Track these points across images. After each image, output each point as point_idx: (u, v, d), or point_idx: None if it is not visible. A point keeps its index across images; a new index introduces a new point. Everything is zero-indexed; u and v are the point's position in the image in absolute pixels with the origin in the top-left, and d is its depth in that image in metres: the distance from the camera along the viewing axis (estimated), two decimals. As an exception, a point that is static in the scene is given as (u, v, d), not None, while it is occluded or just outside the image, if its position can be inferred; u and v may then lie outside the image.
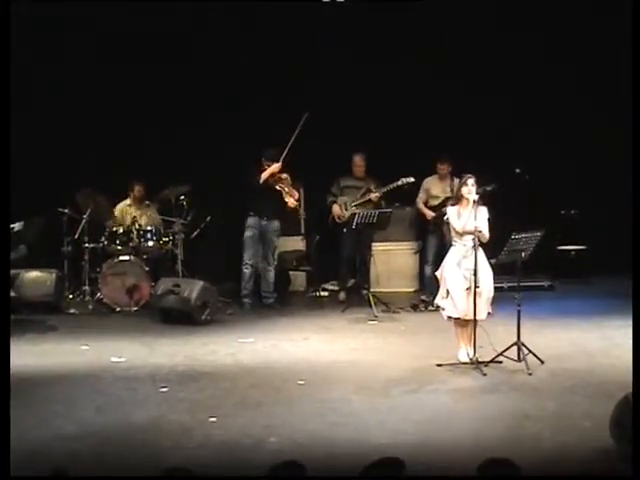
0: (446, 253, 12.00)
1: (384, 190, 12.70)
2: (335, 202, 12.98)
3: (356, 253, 12.84)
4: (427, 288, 12.57)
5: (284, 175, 12.36)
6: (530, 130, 13.55)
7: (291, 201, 12.30)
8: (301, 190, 13.58)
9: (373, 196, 12.71)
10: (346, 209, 12.89)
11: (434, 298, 9.56)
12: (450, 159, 12.45)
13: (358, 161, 12.98)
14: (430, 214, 12.57)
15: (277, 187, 12.29)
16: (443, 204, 12.30)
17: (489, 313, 9.08)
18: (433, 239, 12.58)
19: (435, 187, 12.61)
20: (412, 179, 12.52)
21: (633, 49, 8.13)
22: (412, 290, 13.34)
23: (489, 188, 9.79)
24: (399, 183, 12.61)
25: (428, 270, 12.60)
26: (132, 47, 13.39)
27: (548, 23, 13.36)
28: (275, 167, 12.21)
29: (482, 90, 13.50)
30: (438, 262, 12.09)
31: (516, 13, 13.36)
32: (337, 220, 12.94)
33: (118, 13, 13.15)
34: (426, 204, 12.71)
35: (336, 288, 13.36)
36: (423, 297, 12.63)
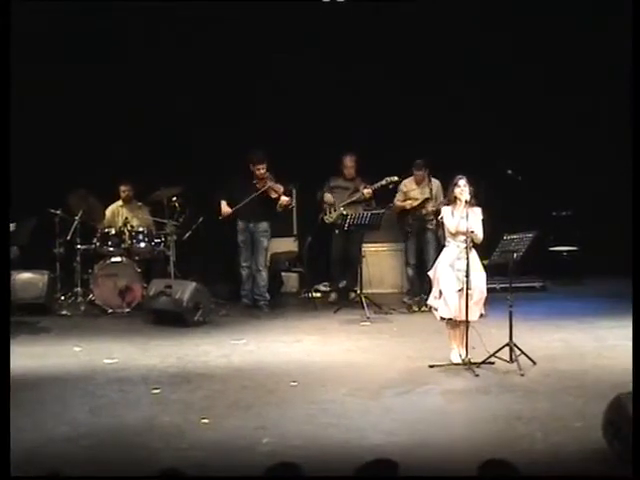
0: (428, 249, 12.24)
1: (374, 187, 12.68)
2: (326, 192, 13.00)
3: (346, 254, 12.88)
4: (411, 289, 12.65)
5: (267, 174, 12.33)
6: (522, 131, 13.56)
7: (284, 199, 12.26)
8: (294, 191, 13.61)
9: (366, 191, 12.69)
10: (334, 210, 12.90)
11: (425, 299, 9.58)
12: (425, 164, 12.39)
13: (348, 162, 12.97)
14: (409, 203, 12.48)
15: (262, 187, 12.23)
16: (422, 205, 12.39)
17: (482, 314, 9.09)
18: (412, 239, 12.59)
19: (412, 190, 12.57)
20: (396, 178, 12.51)
21: (633, 48, 8.13)
22: (405, 291, 13.33)
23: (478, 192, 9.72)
24: (383, 182, 12.60)
25: (410, 272, 12.67)
26: (126, 48, 13.39)
27: (542, 22, 13.37)
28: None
29: (476, 91, 13.51)
30: (419, 263, 12.36)
31: (507, 13, 13.37)
32: (325, 220, 12.94)
33: (115, 13, 13.13)
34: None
35: (328, 289, 13.37)
36: (405, 299, 12.68)
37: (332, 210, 12.92)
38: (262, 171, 12.28)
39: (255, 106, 13.64)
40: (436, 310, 9.12)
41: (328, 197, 12.96)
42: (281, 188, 12.24)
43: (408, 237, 12.67)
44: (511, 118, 13.62)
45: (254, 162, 12.26)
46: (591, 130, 13.69)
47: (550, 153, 13.68)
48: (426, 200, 12.44)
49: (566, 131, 13.72)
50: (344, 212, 12.59)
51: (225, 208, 12.34)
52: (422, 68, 13.55)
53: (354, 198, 12.83)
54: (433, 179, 12.27)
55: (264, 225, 12.41)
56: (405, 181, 12.60)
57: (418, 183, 12.53)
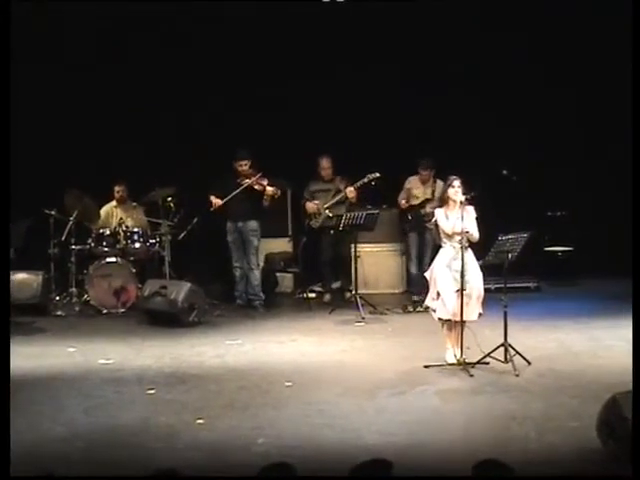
0: (426, 250, 12.30)
1: (356, 186, 12.65)
2: (308, 200, 12.99)
3: (337, 255, 12.89)
4: (414, 287, 12.67)
5: (250, 170, 12.33)
6: (516, 131, 13.57)
7: (269, 189, 12.22)
8: (288, 192, 13.63)
9: (348, 191, 12.66)
10: (319, 213, 12.88)
11: (424, 297, 9.61)
12: (432, 164, 12.49)
13: (324, 163, 12.97)
14: (403, 204, 12.66)
15: (245, 184, 12.21)
16: (422, 205, 12.46)
17: (480, 314, 9.09)
18: (413, 236, 12.70)
19: (417, 188, 12.68)
20: (377, 174, 12.49)
21: (633, 48, 8.13)
22: (400, 291, 13.35)
23: (469, 196, 9.71)
24: (365, 180, 12.56)
25: (413, 267, 12.73)
26: (120, 48, 13.38)
27: (534, 23, 13.38)
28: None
29: (468, 90, 13.52)
30: (420, 259, 12.47)
31: (500, 13, 13.37)
32: (312, 225, 12.92)
33: (113, 13, 13.11)
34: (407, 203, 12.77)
35: (322, 290, 13.36)
36: (415, 298, 12.66)
37: (317, 215, 12.91)
38: (245, 167, 12.29)
39: (252, 107, 13.62)
40: (434, 311, 9.11)
41: (310, 206, 12.95)
42: (265, 180, 12.22)
43: (407, 234, 12.74)
44: (507, 118, 13.62)
45: (236, 159, 12.29)
46: (587, 130, 13.69)
47: (546, 153, 13.69)
48: (426, 200, 12.48)
49: (562, 131, 13.72)
50: (330, 214, 12.59)
51: (215, 200, 12.32)
52: (421, 68, 13.54)
53: (337, 199, 12.83)
54: (439, 181, 12.22)
55: (253, 224, 12.39)
56: (410, 179, 12.71)
57: (423, 182, 12.62)
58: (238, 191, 12.19)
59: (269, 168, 12.32)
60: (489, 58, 13.52)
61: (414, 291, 12.66)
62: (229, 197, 12.20)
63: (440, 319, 9.08)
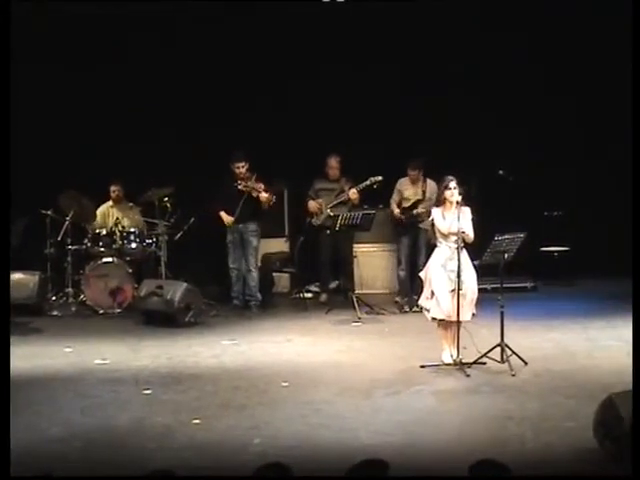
0: (420, 251, 12.27)
1: (359, 188, 12.65)
2: (311, 198, 12.98)
3: (336, 255, 12.88)
4: (401, 289, 12.67)
5: (248, 173, 12.33)
6: (516, 131, 13.58)
7: (263, 196, 12.23)
8: (285, 192, 13.63)
9: (351, 193, 12.66)
10: (322, 212, 12.88)
11: (417, 299, 9.60)
12: (421, 164, 12.43)
13: (333, 162, 12.96)
14: (397, 214, 12.57)
15: (243, 188, 12.22)
16: (414, 206, 12.43)
17: (473, 314, 9.09)
18: (405, 240, 12.64)
19: (407, 189, 12.62)
20: (380, 177, 12.49)
21: (633, 48, 8.12)
22: (396, 292, 13.34)
23: (462, 191, 9.63)
24: (367, 183, 12.57)
25: (402, 273, 12.67)
26: (117, 49, 13.37)
27: (534, 23, 13.39)
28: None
29: (468, 90, 13.52)
30: (410, 264, 12.43)
31: (500, 13, 13.37)
32: (313, 222, 12.92)
33: (110, 13, 13.10)
34: (400, 205, 12.72)
35: (319, 290, 13.36)
36: (397, 299, 12.68)
37: (319, 213, 12.90)
38: (242, 169, 12.30)
39: (248, 106, 13.63)
40: (428, 311, 9.11)
41: (312, 205, 12.94)
42: (261, 186, 12.22)
43: (400, 237, 12.73)
44: (507, 118, 13.62)
45: (233, 161, 12.28)
46: (587, 130, 13.70)
47: (545, 153, 13.70)
48: (418, 201, 12.47)
49: (562, 131, 13.72)
50: (331, 214, 12.59)
51: (227, 217, 12.33)
52: (420, 68, 13.55)
53: (341, 199, 12.82)
54: (429, 180, 12.22)
55: (253, 225, 12.40)
56: (401, 180, 12.64)
57: (413, 183, 12.58)
58: (242, 201, 12.20)
59: (267, 168, 12.32)
60: (489, 58, 13.54)
61: (400, 293, 12.73)
62: (238, 210, 12.18)
63: (434, 319, 9.08)
